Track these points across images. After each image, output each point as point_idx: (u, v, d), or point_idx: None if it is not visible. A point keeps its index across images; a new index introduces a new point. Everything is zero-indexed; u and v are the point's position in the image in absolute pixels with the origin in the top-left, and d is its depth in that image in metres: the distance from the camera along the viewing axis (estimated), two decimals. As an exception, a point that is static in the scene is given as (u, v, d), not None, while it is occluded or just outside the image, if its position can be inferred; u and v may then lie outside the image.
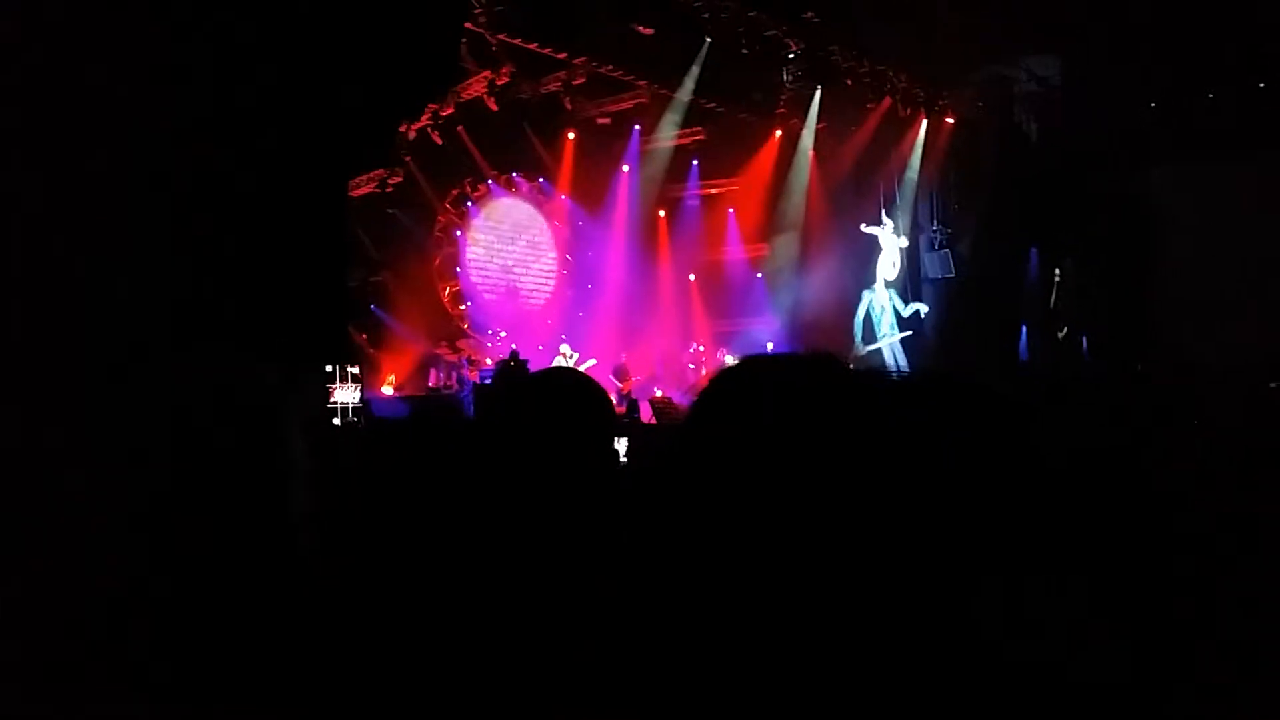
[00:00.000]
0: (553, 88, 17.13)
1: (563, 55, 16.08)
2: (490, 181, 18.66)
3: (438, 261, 18.09)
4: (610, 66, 16.40)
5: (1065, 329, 20.22)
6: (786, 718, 0.93)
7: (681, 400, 15.40)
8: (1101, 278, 19.61)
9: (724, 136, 19.27)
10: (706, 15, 15.24)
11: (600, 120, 18.74)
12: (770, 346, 17.28)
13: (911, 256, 20.25)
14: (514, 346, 16.43)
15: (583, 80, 16.79)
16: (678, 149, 19.37)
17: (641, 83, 17.27)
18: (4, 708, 1.32)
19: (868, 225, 19.80)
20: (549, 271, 20.28)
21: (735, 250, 20.80)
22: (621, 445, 8.60)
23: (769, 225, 20.17)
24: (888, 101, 18.31)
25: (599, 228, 19.89)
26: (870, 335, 20.16)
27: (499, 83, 16.23)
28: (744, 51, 15.96)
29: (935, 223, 20.13)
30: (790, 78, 17.45)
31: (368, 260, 15.70)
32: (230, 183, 3.91)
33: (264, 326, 3.99)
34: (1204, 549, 1.92)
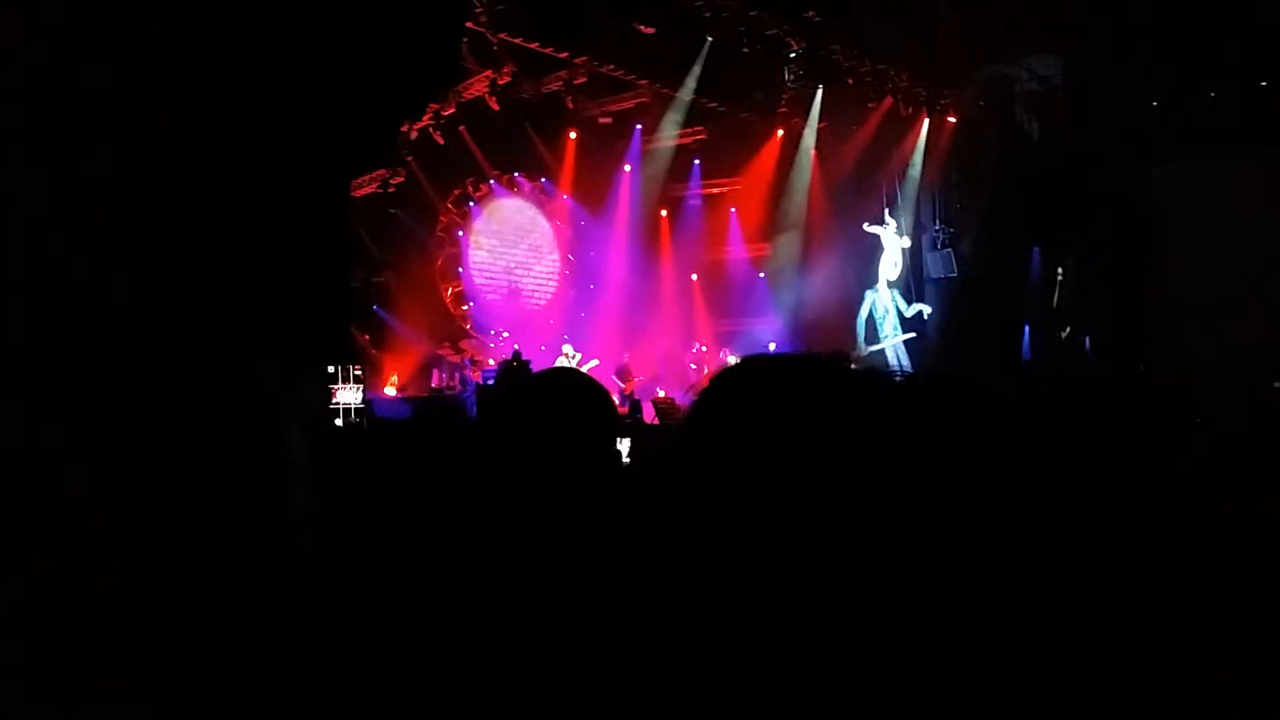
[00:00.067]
0: (554, 87, 17.12)
1: (564, 55, 16.08)
2: (492, 181, 18.67)
3: (440, 262, 18.10)
4: (612, 66, 16.39)
5: (1068, 329, 20.20)
6: (788, 717, 0.93)
7: (683, 400, 15.39)
8: (1103, 277, 19.60)
9: (726, 136, 19.26)
10: (708, 14, 15.23)
11: (602, 120, 18.75)
12: (772, 346, 17.28)
13: (914, 256, 20.24)
14: (516, 347, 16.44)
15: (584, 80, 16.79)
16: (679, 148, 19.37)
17: (643, 82, 17.27)
18: (4, 708, 1.32)
19: (870, 225, 19.80)
20: (551, 272, 20.29)
21: (737, 250, 20.80)
22: (624, 446, 8.59)
23: (771, 225, 20.17)
24: (889, 101, 18.30)
25: (601, 227, 19.89)
26: (873, 335, 20.15)
27: (500, 82, 16.22)
28: (745, 50, 15.95)
29: (937, 222, 20.11)
30: (792, 77, 17.44)
31: (370, 260, 15.70)
32: (230, 183, 3.91)
33: (264, 326, 3.99)
34: (1204, 549, 1.92)
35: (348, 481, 1.95)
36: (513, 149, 18.47)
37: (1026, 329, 20.03)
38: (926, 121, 19.28)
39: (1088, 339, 19.88)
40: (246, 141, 3.97)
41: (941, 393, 1.60)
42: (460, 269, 18.35)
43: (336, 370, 12.73)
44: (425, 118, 15.51)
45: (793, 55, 16.76)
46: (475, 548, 1.77)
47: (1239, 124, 17.09)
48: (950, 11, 15.80)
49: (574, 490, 2.06)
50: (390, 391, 15.83)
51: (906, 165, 19.86)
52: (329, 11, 4.36)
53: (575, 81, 16.81)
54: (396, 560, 1.80)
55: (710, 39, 15.77)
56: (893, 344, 19.92)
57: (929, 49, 17.05)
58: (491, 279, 18.93)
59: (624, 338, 19.10)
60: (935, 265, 20.07)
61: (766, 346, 17.31)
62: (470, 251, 18.49)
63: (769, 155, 19.51)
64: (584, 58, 16.14)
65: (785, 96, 18.19)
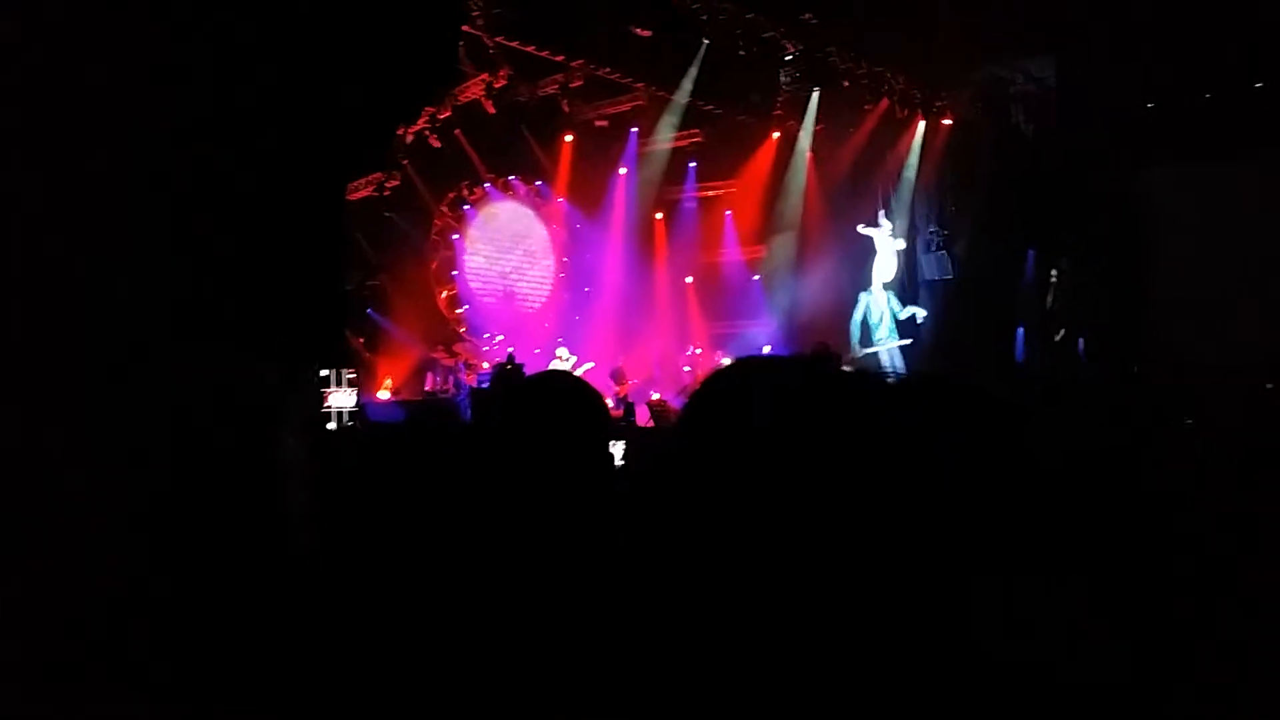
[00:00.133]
0: (550, 90, 17.11)
1: (560, 58, 16.08)
2: (487, 185, 18.65)
3: (434, 265, 18.09)
4: (608, 69, 16.40)
5: (1062, 331, 20.21)
6: (783, 718, 0.93)
7: (676, 403, 15.39)
8: (1098, 279, 19.62)
9: (721, 138, 19.28)
10: (704, 17, 15.23)
11: (598, 123, 18.73)
12: (767, 349, 17.29)
13: (908, 258, 20.24)
14: (511, 350, 16.43)
15: (580, 83, 16.78)
16: (675, 151, 19.37)
17: (639, 85, 17.27)
18: (4, 708, 1.32)
19: (864, 227, 19.79)
20: (546, 275, 20.27)
21: (732, 252, 20.80)
22: (619, 449, 8.58)
23: (766, 227, 20.17)
24: (885, 103, 18.30)
25: (596, 230, 19.89)
26: (868, 338, 20.15)
27: (496, 85, 16.20)
28: (741, 53, 15.95)
29: (932, 224, 20.11)
30: (788, 79, 17.43)
31: (364, 263, 15.69)
32: (230, 183, 3.91)
33: (263, 327, 3.99)
34: (1202, 549, 1.92)
35: (343, 484, 1.95)
36: (508, 152, 18.46)
37: (1021, 331, 20.04)
38: (922, 124, 19.28)
39: (1082, 341, 19.89)
40: (246, 141, 3.98)
41: (934, 394, 1.61)
42: (455, 272, 18.33)
43: (329, 373, 12.69)
44: (420, 121, 15.49)
45: (789, 58, 16.75)
46: (470, 550, 1.77)
47: (1234, 125, 17.12)
48: (946, 14, 15.81)
49: (568, 493, 2.06)
50: (384, 395, 15.81)
51: (901, 167, 19.85)
52: (328, 13, 4.36)
53: (571, 85, 16.80)
54: (393, 562, 1.80)
55: (706, 42, 15.77)
56: (887, 348, 19.91)
57: (925, 51, 17.07)
58: (486, 282, 18.92)
59: (619, 341, 19.08)
60: (930, 267, 20.06)
61: (761, 349, 17.33)
62: (465, 255, 18.48)
63: (764, 158, 19.51)
64: (580, 61, 16.14)
65: (781, 99, 18.18)
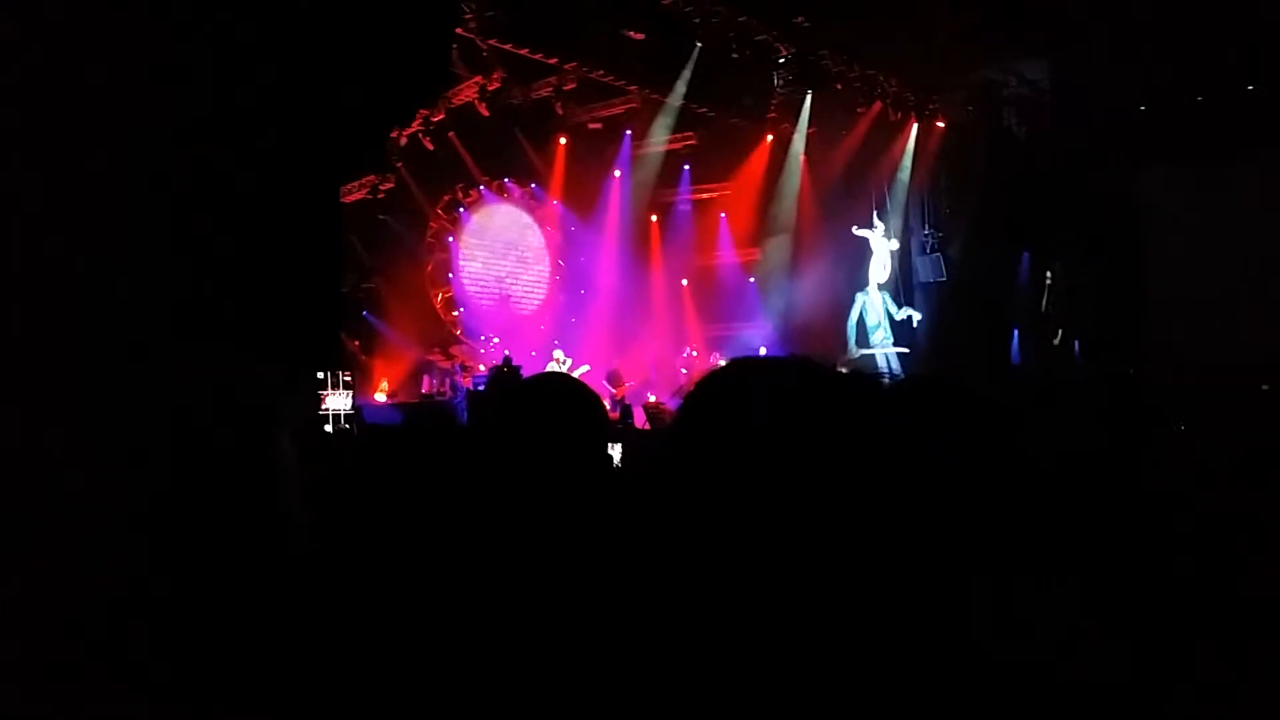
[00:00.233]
0: (544, 93, 17.12)
1: (554, 60, 16.07)
2: (482, 187, 18.67)
3: (430, 268, 18.09)
4: (601, 72, 16.40)
5: (1059, 332, 20.24)
6: (781, 718, 0.93)
7: (672, 405, 15.38)
8: (1094, 280, 19.66)
9: (715, 141, 19.29)
10: (697, 20, 15.25)
11: (592, 125, 18.75)
12: (763, 351, 17.28)
13: (902, 261, 20.27)
14: (507, 353, 16.40)
15: (574, 85, 16.79)
16: (669, 154, 19.38)
17: (633, 88, 17.28)
18: (4, 708, 1.31)
19: (858, 228, 19.81)
20: (541, 277, 20.28)
21: (727, 255, 20.80)
22: (616, 451, 8.58)
23: (760, 229, 20.18)
24: (878, 105, 18.31)
25: (591, 233, 19.90)
26: (863, 339, 20.16)
27: (490, 88, 16.19)
28: (735, 56, 15.97)
29: (926, 227, 20.14)
30: (781, 82, 17.45)
31: (359, 266, 15.69)
32: (230, 183, 3.91)
33: (263, 327, 3.99)
34: (1201, 549, 1.92)
35: (341, 486, 1.95)
36: (503, 155, 18.47)
37: (1015, 333, 20.07)
38: (915, 126, 19.31)
39: (1077, 343, 19.93)
40: (246, 141, 3.98)
41: (929, 396, 1.61)
42: (450, 275, 18.34)
43: (326, 376, 12.68)
44: (415, 124, 15.49)
45: (782, 61, 16.77)
46: (468, 553, 1.77)
47: (1226, 128, 17.17)
48: (940, 16, 15.82)
49: (565, 495, 2.06)
50: (380, 398, 15.80)
51: (895, 170, 19.88)
52: (327, 13, 4.37)
53: (565, 87, 16.81)
54: (393, 564, 1.80)
55: (700, 45, 15.78)
56: (884, 351, 19.92)
57: (918, 54, 17.09)
58: (482, 285, 18.92)
59: (615, 343, 19.08)
60: (924, 270, 20.08)
61: (757, 351, 17.31)
62: (460, 257, 18.48)
63: (758, 160, 19.53)
64: (574, 63, 16.14)
65: (774, 102, 18.21)
